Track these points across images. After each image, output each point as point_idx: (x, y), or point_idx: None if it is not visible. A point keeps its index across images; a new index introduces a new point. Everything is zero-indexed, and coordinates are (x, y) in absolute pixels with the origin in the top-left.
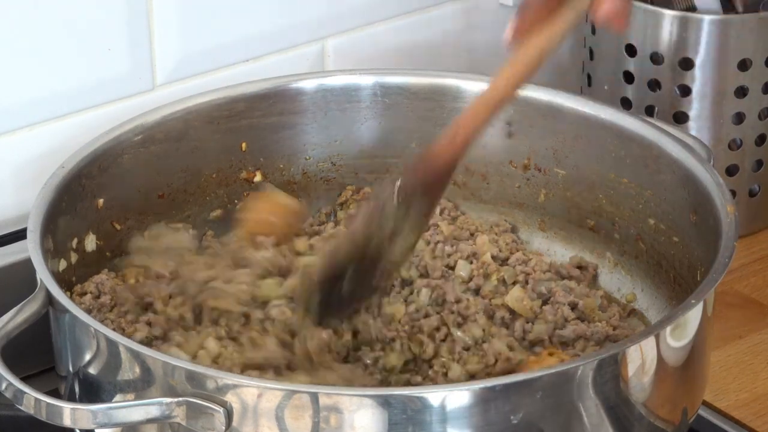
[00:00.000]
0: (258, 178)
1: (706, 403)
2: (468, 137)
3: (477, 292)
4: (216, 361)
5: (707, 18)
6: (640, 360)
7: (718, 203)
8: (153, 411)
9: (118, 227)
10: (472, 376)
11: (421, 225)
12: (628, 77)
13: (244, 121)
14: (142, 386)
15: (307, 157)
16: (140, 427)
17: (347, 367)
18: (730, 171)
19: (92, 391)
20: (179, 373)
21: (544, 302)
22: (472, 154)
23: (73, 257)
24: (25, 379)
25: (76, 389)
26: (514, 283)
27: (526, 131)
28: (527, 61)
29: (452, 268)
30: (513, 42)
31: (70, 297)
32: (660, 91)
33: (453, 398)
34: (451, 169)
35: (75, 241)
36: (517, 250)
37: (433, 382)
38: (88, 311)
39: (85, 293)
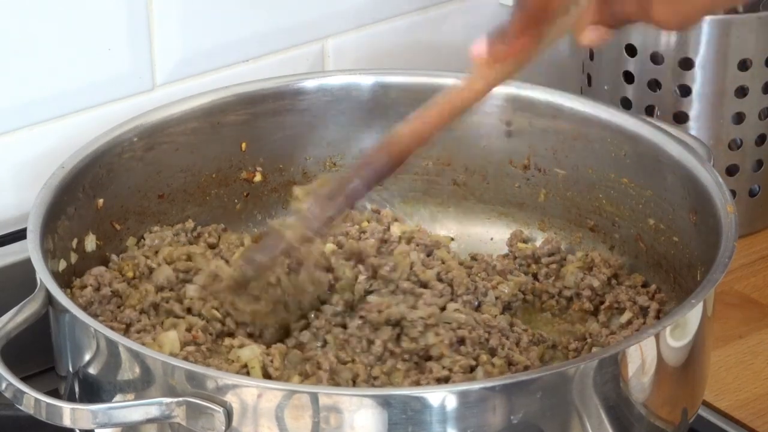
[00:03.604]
0: (258, 178)
1: (706, 403)
2: (429, 134)
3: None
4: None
5: (707, 18)
6: (640, 360)
7: (718, 203)
8: (153, 411)
9: (118, 227)
10: None
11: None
12: (628, 77)
13: (244, 121)
14: (142, 386)
15: (307, 157)
16: (140, 427)
17: None
18: (730, 171)
19: (92, 391)
20: (179, 373)
21: None
22: (472, 153)
23: (73, 257)
24: (25, 379)
25: (76, 389)
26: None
27: (526, 131)
28: (502, 73)
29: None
30: (485, 58)
31: (71, 291)
32: (660, 91)
33: (453, 398)
34: (403, 161)
35: (75, 242)
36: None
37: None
38: (89, 303)
39: (85, 286)
